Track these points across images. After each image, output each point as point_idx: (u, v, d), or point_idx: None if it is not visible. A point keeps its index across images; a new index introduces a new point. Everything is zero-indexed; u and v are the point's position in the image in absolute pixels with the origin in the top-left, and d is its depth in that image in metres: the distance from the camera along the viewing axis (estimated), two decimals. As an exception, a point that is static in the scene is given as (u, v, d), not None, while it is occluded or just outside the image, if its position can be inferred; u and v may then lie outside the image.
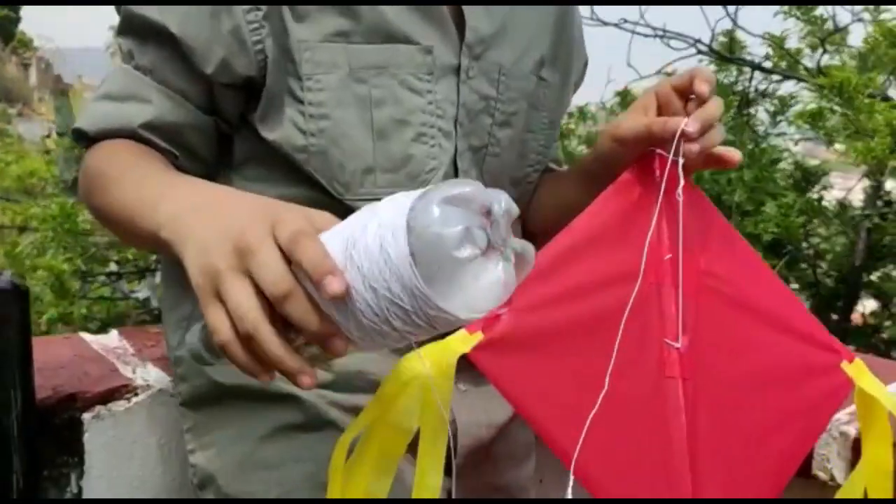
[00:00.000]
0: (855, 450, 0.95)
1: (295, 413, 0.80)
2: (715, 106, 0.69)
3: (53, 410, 0.94)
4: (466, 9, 0.81)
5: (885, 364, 1.18)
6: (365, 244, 0.50)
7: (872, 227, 2.52)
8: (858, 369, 0.72)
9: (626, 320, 0.65)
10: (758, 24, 2.63)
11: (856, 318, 3.04)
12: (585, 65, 1.01)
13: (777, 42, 2.68)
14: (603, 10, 2.50)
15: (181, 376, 0.87)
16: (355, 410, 0.74)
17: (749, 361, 0.70)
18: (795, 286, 2.96)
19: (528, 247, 0.55)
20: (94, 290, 3.33)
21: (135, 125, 0.77)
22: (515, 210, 0.52)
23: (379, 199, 0.74)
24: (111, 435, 0.96)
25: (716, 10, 2.48)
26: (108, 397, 0.97)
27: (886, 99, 2.02)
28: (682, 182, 0.67)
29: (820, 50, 2.40)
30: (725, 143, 2.34)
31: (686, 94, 0.71)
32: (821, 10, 2.40)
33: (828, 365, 0.72)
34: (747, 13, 2.60)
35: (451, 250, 0.48)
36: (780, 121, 3.43)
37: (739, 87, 3.20)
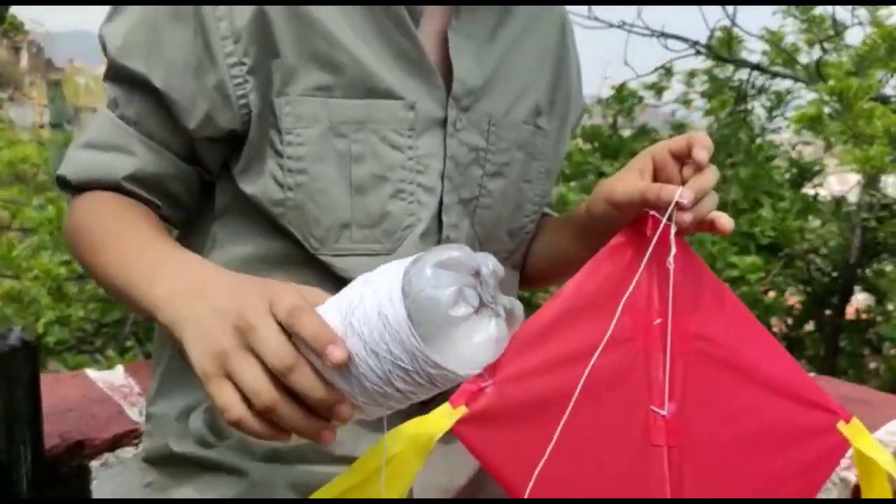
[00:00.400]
0: (856, 495, 0.96)
1: (242, 487, 0.79)
2: (710, 175, 0.70)
3: (62, 458, 0.95)
4: (455, 59, 0.80)
5: (885, 399, 1.20)
6: (363, 311, 0.53)
7: (867, 228, 2.54)
8: (855, 430, 0.72)
9: (613, 387, 0.66)
10: (756, 22, 2.62)
11: (849, 311, 3.06)
12: (582, 112, 1.00)
13: (776, 39, 2.67)
14: (601, 10, 2.48)
15: (148, 432, 0.86)
16: (306, 488, 0.74)
17: (740, 425, 0.70)
18: (789, 282, 2.99)
19: (517, 303, 0.58)
20: (89, 291, 3.34)
21: (118, 177, 0.77)
22: (502, 271, 0.55)
23: (354, 255, 0.76)
24: (119, 482, 0.98)
25: (714, 10, 2.47)
26: (115, 443, 0.98)
27: (885, 101, 2.02)
28: (673, 250, 0.67)
29: (818, 48, 2.39)
30: (722, 139, 2.33)
31: (682, 159, 0.72)
32: (819, 10, 2.39)
33: (823, 426, 0.72)
34: (746, 12, 2.60)
35: (445, 310, 0.51)
36: (777, 116, 3.43)
37: (736, 83, 3.20)
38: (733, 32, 2.52)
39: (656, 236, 0.68)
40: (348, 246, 0.77)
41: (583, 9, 2.38)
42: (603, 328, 0.66)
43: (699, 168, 0.70)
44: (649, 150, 0.75)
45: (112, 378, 1.12)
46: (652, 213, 0.69)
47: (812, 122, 1.64)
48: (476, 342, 0.54)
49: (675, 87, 3.71)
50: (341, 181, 0.76)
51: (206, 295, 0.59)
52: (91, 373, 1.13)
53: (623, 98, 3.67)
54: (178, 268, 0.66)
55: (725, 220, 0.72)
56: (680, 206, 0.67)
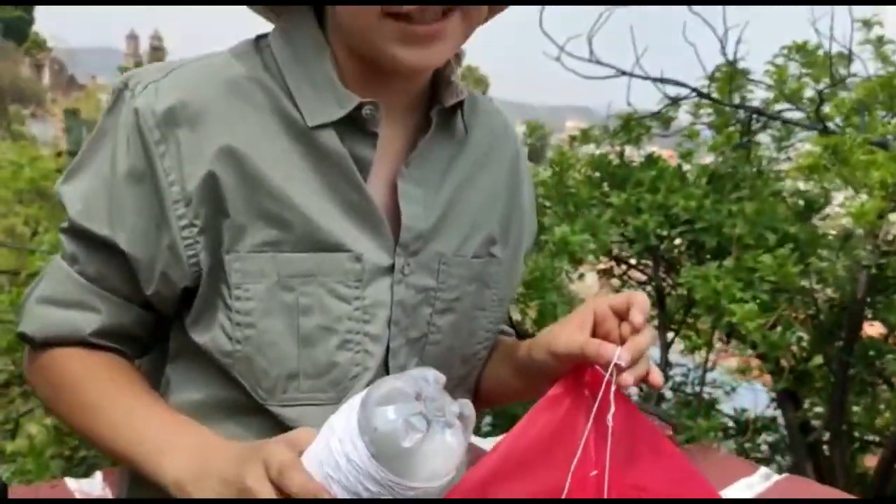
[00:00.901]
0: None
1: None
2: (646, 338, 0.73)
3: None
4: (404, 207, 0.81)
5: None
6: (335, 462, 0.61)
7: (874, 265, 2.52)
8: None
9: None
10: (759, 59, 2.63)
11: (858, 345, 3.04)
12: (535, 232, 1.01)
13: (780, 75, 2.67)
14: (601, 50, 2.50)
15: None
16: None
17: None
18: (797, 313, 2.97)
19: (466, 404, 0.63)
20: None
21: (85, 334, 0.80)
22: (443, 379, 0.62)
23: (302, 405, 0.80)
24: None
25: (713, 52, 2.48)
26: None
27: (885, 146, 2.02)
28: (612, 409, 0.71)
29: (820, 89, 2.39)
30: (727, 173, 2.34)
31: (622, 316, 0.75)
32: (821, 51, 2.40)
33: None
34: (748, 49, 2.60)
35: (400, 442, 0.59)
36: (785, 146, 3.43)
37: (743, 116, 3.20)
38: (734, 74, 2.53)
39: (599, 396, 0.71)
40: (296, 396, 0.79)
41: (583, 51, 2.39)
42: (538, 482, 0.70)
43: (636, 330, 0.73)
44: (591, 304, 0.78)
45: (90, 488, 1.14)
46: (594, 367, 0.73)
47: (810, 171, 1.65)
48: (438, 455, 0.61)
49: (682, 117, 3.73)
50: (289, 334, 0.78)
51: (210, 471, 0.69)
52: (70, 482, 1.15)
53: (630, 128, 3.69)
54: (183, 443, 0.73)
55: (657, 376, 0.76)
56: (618, 367, 0.71)
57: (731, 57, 2.36)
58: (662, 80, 2.50)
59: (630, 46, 2.56)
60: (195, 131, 0.75)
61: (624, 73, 2.39)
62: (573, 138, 3.81)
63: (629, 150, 3.81)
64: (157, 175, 0.75)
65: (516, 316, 2.50)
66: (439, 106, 0.82)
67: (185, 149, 0.75)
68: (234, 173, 0.76)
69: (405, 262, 0.81)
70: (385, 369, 0.83)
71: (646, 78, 2.43)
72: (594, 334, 0.76)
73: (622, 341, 0.73)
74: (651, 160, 3.83)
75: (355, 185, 0.79)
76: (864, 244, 2.00)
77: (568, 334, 0.76)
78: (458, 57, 0.88)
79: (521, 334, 2.68)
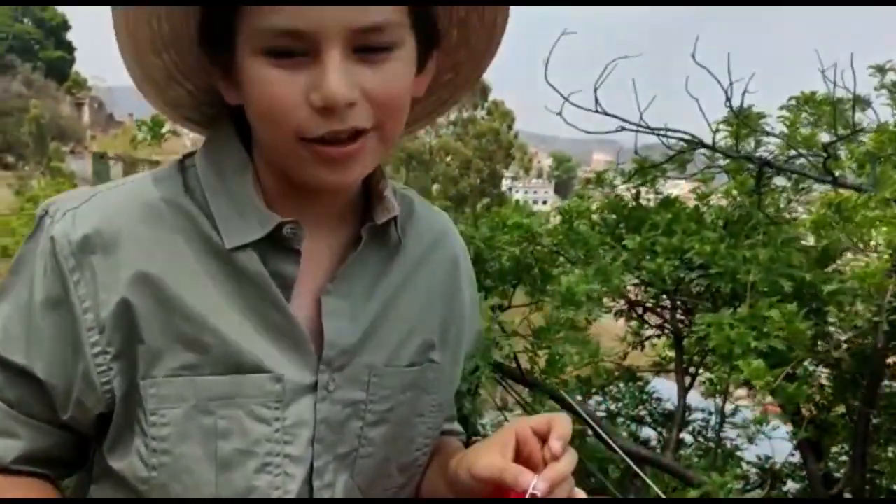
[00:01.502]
0: None
1: None
2: (566, 463, 0.74)
3: None
4: (327, 323, 0.81)
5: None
6: None
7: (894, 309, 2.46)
8: None
9: None
10: (770, 107, 2.61)
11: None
12: (479, 333, 1.01)
13: (792, 121, 2.64)
14: (605, 100, 2.49)
15: None
16: None
17: None
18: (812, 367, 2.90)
19: None
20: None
21: (7, 461, 0.80)
22: None
23: None
24: None
25: (717, 105, 2.46)
26: None
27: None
28: None
29: (830, 139, 2.36)
30: (741, 218, 2.31)
31: (543, 438, 0.76)
32: (829, 95, 2.37)
33: None
34: (758, 98, 2.58)
35: None
36: (802, 189, 3.37)
37: (758, 159, 3.16)
38: (743, 123, 2.51)
39: None
40: None
41: (589, 101, 2.39)
42: None
43: (556, 457, 0.74)
44: (513, 426, 0.79)
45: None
46: (516, 492, 0.75)
47: (815, 227, 1.62)
48: None
49: (699, 158, 3.69)
50: (206, 459, 0.77)
51: None
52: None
53: (645, 171, 3.67)
54: None
55: (581, 494, 0.77)
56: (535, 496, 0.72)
57: (737, 107, 2.33)
58: (667, 132, 2.48)
59: (642, 92, 2.55)
60: (109, 259, 0.76)
61: (625, 127, 2.38)
62: (587, 181, 3.80)
63: (646, 191, 3.80)
64: (72, 303, 0.76)
65: (525, 365, 2.47)
66: (370, 223, 0.83)
67: (99, 276, 0.76)
68: (150, 299, 0.76)
69: (330, 378, 0.81)
70: (309, 490, 0.81)
71: (651, 131, 2.41)
72: (518, 455, 0.76)
73: (544, 464, 0.74)
74: (667, 202, 3.81)
75: (276, 304, 0.79)
76: (870, 304, 1.95)
77: (488, 458, 0.76)
78: (383, 170, 0.87)
79: (531, 383, 2.65)
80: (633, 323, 4.06)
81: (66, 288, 0.76)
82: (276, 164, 0.79)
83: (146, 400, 0.76)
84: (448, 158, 43.24)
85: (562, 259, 2.92)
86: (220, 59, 0.76)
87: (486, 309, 1.82)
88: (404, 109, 0.77)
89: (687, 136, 2.47)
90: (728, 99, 2.19)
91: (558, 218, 2.75)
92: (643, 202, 3.82)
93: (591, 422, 2.28)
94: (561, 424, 0.75)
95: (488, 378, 1.83)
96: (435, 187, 43.75)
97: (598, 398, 4.03)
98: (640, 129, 2.42)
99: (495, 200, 44.68)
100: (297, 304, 0.81)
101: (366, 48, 0.71)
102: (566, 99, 2.05)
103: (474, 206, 42.08)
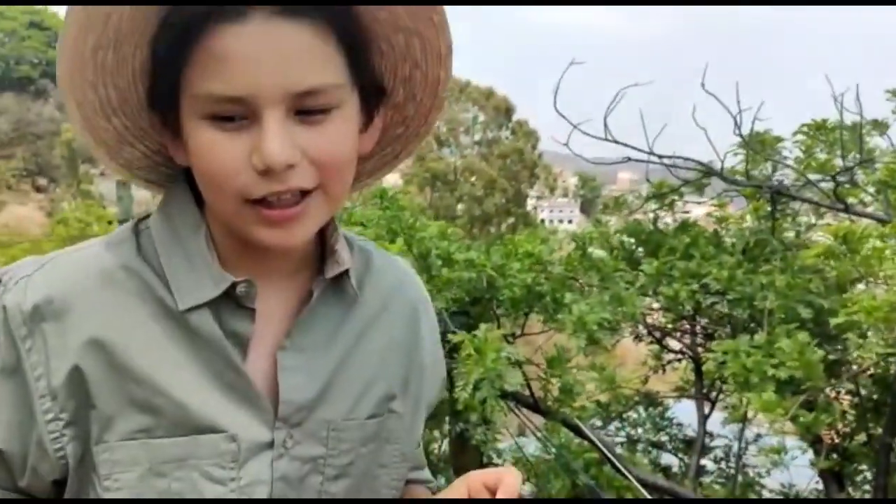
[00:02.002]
0: None
1: None
2: None
3: None
4: (283, 380, 0.80)
5: None
6: None
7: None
8: None
9: None
10: (784, 125, 2.60)
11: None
12: (443, 380, 0.99)
13: (807, 147, 2.62)
14: (615, 128, 2.49)
15: None
16: None
17: None
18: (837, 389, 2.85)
19: None
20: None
21: None
22: None
23: None
24: None
25: (726, 132, 2.45)
26: None
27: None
28: None
29: (841, 166, 2.33)
30: (757, 244, 2.28)
31: (494, 492, 0.76)
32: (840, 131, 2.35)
33: None
34: (775, 124, 2.57)
35: None
36: (825, 212, 3.34)
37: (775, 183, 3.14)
38: (758, 149, 2.49)
39: None
40: None
41: (598, 129, 2.40)
42: None
43: None
44: (466, 479, 0.79)
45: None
46: None
47: (825, 257, 1.60)
48: None
49: (716, 182, 3.67)
50: None
51: None
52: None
53: (664, 195, 3.65)
54: None
55: None
56: None
57: (746, 134, 2.32)
58: (675, 161, 2.47)
59: (653, 120, 2.55)
60: (61, 326, 0.76)
61: (630, 158, 2.38)
62: (605, 206, 3.80)
63: (664, 215, 3.78)
64: (24, 370, 0.76)
65: (539, 393, 2.46)
66: (321, 277, 0.83)
67: (50, 344, 0.76)
68: (101, 364, 0.76)
69: (287, 434, 0.80)
70: None
71: (659, 160, 2.41)
72: None
73: None
74: (685, 226, 3.78)
75: (230, 363, 0.78)
76: (881, 336, 1.92)
77: None
78: (334, 223, 0.85)
79: (545, 412, 2.64)
80: (654, 347, 4.03)
81: (19, 356, 0.76)
82: (225, 224, 0.79)
83: (100, 465, 0.76)
84: (473, 179, 43.25)
85: (578, 285, 2.92)
86: (169, 123, 0.77)
87: (497, 337, 1.82)
88: (348, 168, 0.78)
89: (697, 166, 2.45)
90: (738, 126, 2.18)
91: (570, 245, 2.74)
92: (661, 226, 3.81)
93: (607, 452, 2.26)
94: (509, 482, 0.75)
95: (498, 408, 1.82)
96: (459, 207, 43.82)
97: (618, 424, 4.00)
98: (650, 158, 2.40)
99: (520, 220, 44.55)
100: (254, 362, 0.80)
101: (306, 110, 0.72)
102: (575, 126, 2.06)
103: (499, 225, 41.98)
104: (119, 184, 5.10)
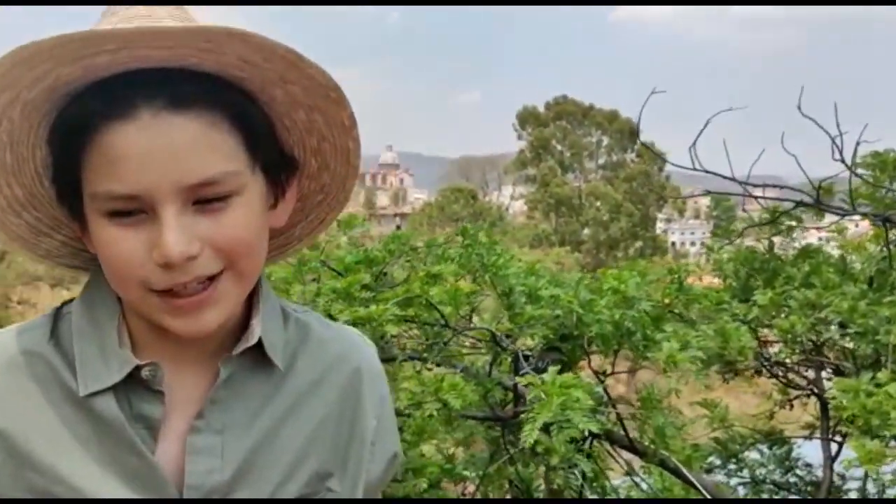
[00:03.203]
0: None
1: None
2: None
3: None
4: (190, 464, 0.77)
5: None
6: None
7: None
8: None
9: None
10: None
11: None
12: (395, 456, 0.94)
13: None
14: (708, 160, 2.38)
15: None
16: None
17: None
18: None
19: None
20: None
21: None
22: None
23: None
24: None
25: (825, 159, 2.28)
26: None
27: None
28: None
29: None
30: (879, 272, 2.09)
31: None
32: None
33: None
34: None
35: None
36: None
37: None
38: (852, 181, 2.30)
39: None
40: None
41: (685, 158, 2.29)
42: None
43: None
44: None
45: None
46: None
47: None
48: None
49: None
50: None
51: None
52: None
53: (778, 221, 3.43)
54: None
55: None
56: None
57: (847, 160, 2.15)
58: (763, 189, 2.32)
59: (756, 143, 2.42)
60: None
61: (712, 192, 2.25)
62: (714, 233, 3.62)
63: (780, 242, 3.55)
64: None
65: (634, 433, 2.37)
66: (227, 356, 0.80)
67: None
68: (1, 453, 0.76)
69: None
70: None
71: (744, 190, 2.27)
72: None
73: None
74: (806, 252, 3.53)
75: (133, 449, 0.77)
76: None
77: None
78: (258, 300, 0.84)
79: (641, 452, 2.52)
80: (773, 381, 3.78)
81: None
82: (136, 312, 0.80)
83: None
84: (598, 203, 42.57)
85: (679, 319, 2.79)
86: (76, 215, 0.78)
87: (571, 379, 1.77)
88: (255, 248, 0.77)
89: (791, 194, 2.29)
90: (839, 149, 2.02)
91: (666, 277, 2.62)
92: (778, 255, 3.58)
93: (707, 494, 2.14)
94: None
95: (573, 452, 1.76)
96: (585, 232, 43.19)
97: (736, 464, 3.75)
98: (744, 189, 2.27)
99: (648, 244, 43.32)
100: (165, 445, 0.79)
101: (204, 200, 0.72)
102: (663, 159, 1.97)
103: (626, 250, 41.00)
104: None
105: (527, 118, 49.86)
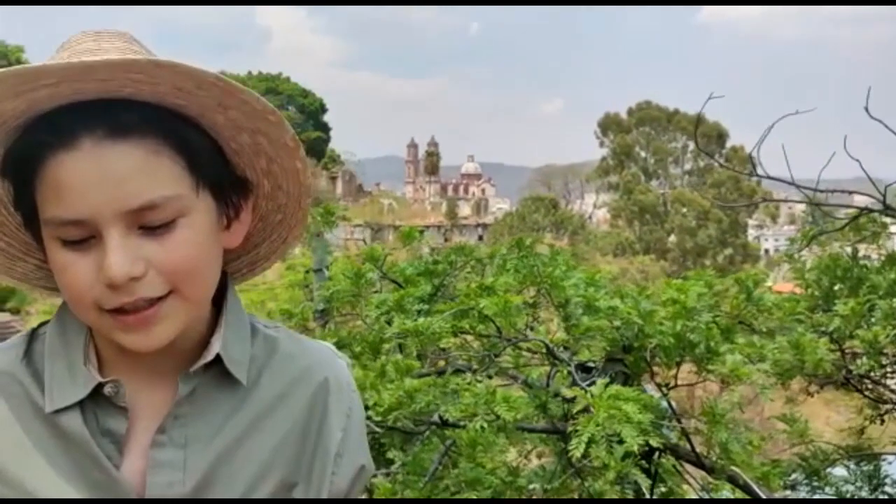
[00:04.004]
0: None
1: None
2: None
3: None
4: (152, 476, 0.80)
5: None
6: None
7: None
8: None
9: None
10: None
11: None
12: (363, 469, 0.94)
13: None
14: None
15: None
16: None
17: None
18: None
19: None
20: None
21: None
22: None
23: None
24: None
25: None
26: None
27: None
28: None
29: None
30: None
31: None
32: None
33: None
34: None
35: None
36: None
37: None
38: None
39: None
40: None
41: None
42: None
43: None
44: None
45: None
46: None
47: None
48: None
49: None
50: None
51: None
52: None
53: (862, 225, 3.27)
54: None
55: None
56: None
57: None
58: (829, 195, 2.21)
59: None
60: None
61: (794, 182, 2.15)
62: (791, 241, 3.47)
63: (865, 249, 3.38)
64: None
65: (700, 448, 2.30)
66: (185, 372, 0.83)
67: None
68: None
69: None
70: None
71: (808, 195, 2.17)
72: None
73: None
74: (892, 259, 3.35)
75: (97, 462, 0.80)
76: None
77: None
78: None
79: (709, 468, 2.44)
80: (857, 395, 3.59)
81: None
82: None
83: None
84: (684, 210, 41.51)
85: (751, 331, 2.69)
86: (40, 241, 0.81)
87: (625, 392, 1.73)
88: (201, 270, 0.80)
89: (862, 205, 2.18)
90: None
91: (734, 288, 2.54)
92: (864, 264, 3.41)
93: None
94: None
95: (629, 466, 1.72)
96: (671, 240, 42.16)
97: (819, 481, 3.58)
98: (811, 197, 2.17)
99: (738, 251, 41.92)
100: (130, 459, 0.82)
101: (148, 224, 0.75)
102: (721, 164, 1.91)
103: (714, 257, 39.79)
104: (312, 236, 5.49)
105: (609, 125, 49.14)
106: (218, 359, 0.85)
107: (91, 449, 0.81)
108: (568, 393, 1.74)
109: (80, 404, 0.81)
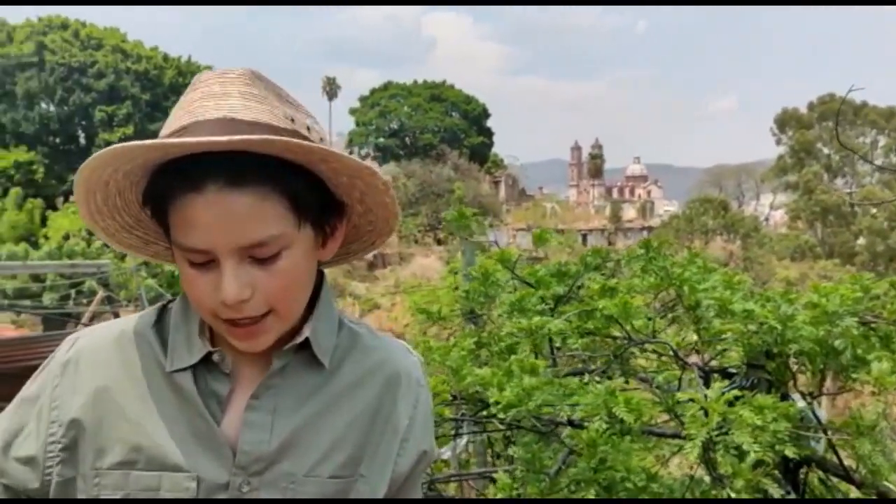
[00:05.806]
0: None
1: None
2: None
3: None
4: (244, 434, 0.95)
5: None
6: None
7: None
8: None
9: None
10: None
11: None
12: (424, 454, 1.06)
13: None
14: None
15: None
16: None
17: None
18: None
19: None
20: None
21: None
22: None
23: None
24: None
25: None
26: None
27: None
28: None
29: None
30: None
31: None
32: None
33: None
34: None
35: None
36: None
37: None
38: None
39: None
40: None
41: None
42: None
43: None
44: None
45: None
46: None
47: None
48: None
49: None
50: None
51: None
52: None
53: None
54: None
55: None
56: None
57: None
58: None
59: None
60: (81, 373, 0.99)
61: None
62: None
63: None
64: (43, 402, 0.99)
65: (849, 462, 2.18)
66: (280, 350, 0.97)
67: (71, 386, 0.98)
68: (103, 405, 0.97)
69: (244, 480, 0.95)
70: None
71: None
72: None
73: None
74: None
75: (202, 415, 0.96)
76: None
77: None
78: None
79: (858, 483, 2.28)
80: None
81: (44, 391, 0.99)
82: None
83: (89, 487, 0.95)
84: (873, 210, 38.11)
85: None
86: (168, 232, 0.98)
87: (741, 398, 1.67)
88: (298, 292, 0.96)
89: None
90: None
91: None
92: None
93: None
94: None
95: (760, 476, 1.66)
96: (859, 242, 38.86)
97: None
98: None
99: (939, 254, 37.82)
100: (229, 416, 0.97)
101: (257, 256, 0.91)
102: (860, 156, 1.79)
103: (909, 261, 36.13)
104: (463, 241, 5.61)
105: (787, 121, 46.06)
106: (307, 344, 0.99)
107: (198, 404, 0.97)
108: (681, 396, 1.71)
109: (193, 368, 0.98)
